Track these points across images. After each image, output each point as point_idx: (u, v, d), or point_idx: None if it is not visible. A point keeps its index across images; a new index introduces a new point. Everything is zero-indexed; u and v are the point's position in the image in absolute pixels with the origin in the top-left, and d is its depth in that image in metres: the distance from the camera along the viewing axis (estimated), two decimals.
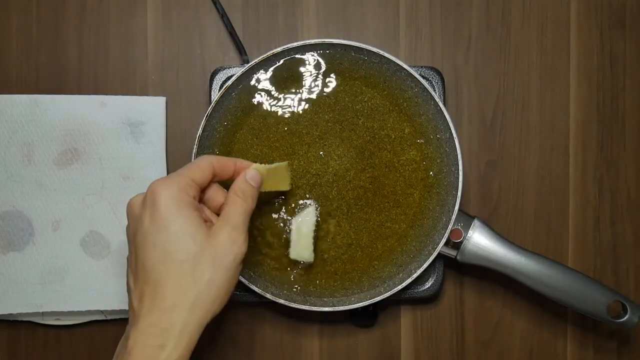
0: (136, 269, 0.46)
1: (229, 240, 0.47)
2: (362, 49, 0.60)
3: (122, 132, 0.63)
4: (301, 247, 0.59)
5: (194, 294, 0.45)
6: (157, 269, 0.45)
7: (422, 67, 0.63)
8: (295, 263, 0.60)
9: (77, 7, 0.64)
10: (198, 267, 0.45)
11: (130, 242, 0.48)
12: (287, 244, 0.60)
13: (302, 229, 0.59)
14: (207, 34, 0.65)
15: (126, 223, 0.63)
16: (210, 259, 0.46)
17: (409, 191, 0.61)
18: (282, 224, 0.60)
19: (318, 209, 0.60)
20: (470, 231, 0.59)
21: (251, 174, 0.51)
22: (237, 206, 0.49)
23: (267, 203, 0.60)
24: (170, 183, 0.47)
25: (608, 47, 0.67)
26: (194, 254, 0.45)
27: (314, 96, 0.61)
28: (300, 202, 0.60)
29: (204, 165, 0.49)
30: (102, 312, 0.63)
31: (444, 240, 0.59)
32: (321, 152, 0.61)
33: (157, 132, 0.63)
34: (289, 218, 0.60)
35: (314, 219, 0.60)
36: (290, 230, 0.60)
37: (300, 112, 0.61)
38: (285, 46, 0.59)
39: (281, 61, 0.60)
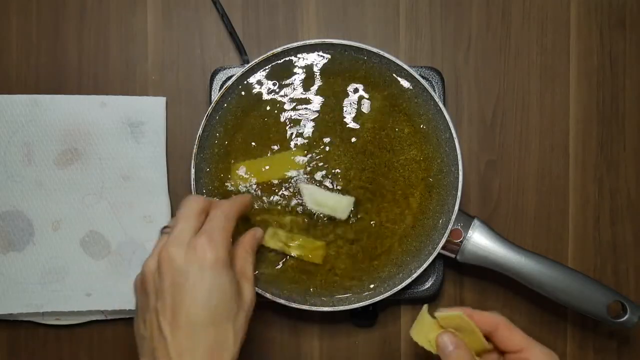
0: (176, 322, 0.45)
1: (251, 295, 0.50)
2: (362, 49, 0.60)
3: (122, 132, 0.63)
4: (337, 205, 0.60)
5: (231, 352, 0.47)
6: (204, 328, 0.45)
7: (422, 67, 0.63)
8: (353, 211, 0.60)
9: (77, 7, 0.64)
10: (236, 326, 0.47)
11: (165, 291, 0.46)
12: (328, 221, 0.60)
13: (317, 199, 0.60)
14: (207, 34, 0.65)
15: (127, 224, 0.63)
16: (244, 315, 0.48)
17: (409, 191, 0.61)
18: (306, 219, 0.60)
19: (307, 177, 0.60)
20: (470, 231, 0.59)
21: (260, 234, 0.55)
22: (250, 263, 0.51)
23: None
24: (219, 243, 0.47)
25: (608, 47, 0.67)
26: (234, 315, 0.47)
27: (313, 96, 0.61)
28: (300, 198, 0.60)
29: (233, 218, 0.50)
30: (102, 312, 0.63)
31: (444, 240, 0.59)
32: (321, 153, 0.61)
33: (157, 132, 0.63)
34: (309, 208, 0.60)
35: (312, 185, 0.60)
36: (320, 214, 0.60)
37: (300, 112, 0.61)
38: (285, 46, 0.59)
39: (281, 61, 0.60)
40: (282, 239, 0.60)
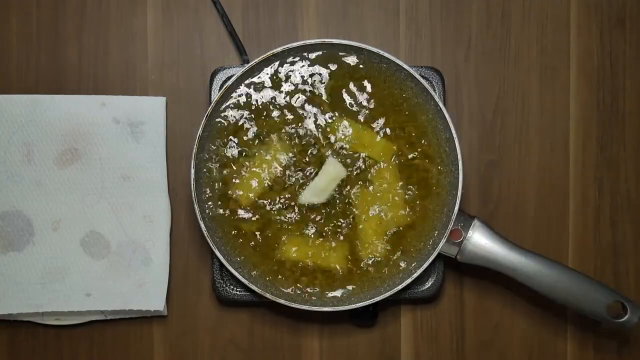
0: None
1: None
2: (362, 49, 0.60)
3: (122, 132, 0.63)
4: (329, 176, 0.60)
5: None
6: None
7: (422, 67, 0.63)
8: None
9: (77, 7, 0.64)
10: None
11: None
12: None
13: (317, 189, 0.60)
14: (207, 34, 0.65)
15: (127, 224, 0.63)
16: None
17: (408, 191, 0.61)
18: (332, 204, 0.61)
19: (303, 174, 0.60)
20: (470, 231, 0.59)
21: None
22: None
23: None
24: None
25: (608, 47, 0.67)
26: None
27: (313, 97, 0.61)
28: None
29: None
30: (102, 312, 0.63)
31: (444, 240, 0.59)
32: (321, 153, 0.61)
33: (157, 132, 0.63)
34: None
35: (306, 189, 0.60)
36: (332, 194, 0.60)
37: (301, 112, 0.61)
38: (285, 46, 0.59)
39: (281, 61, 0.60)
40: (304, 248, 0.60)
